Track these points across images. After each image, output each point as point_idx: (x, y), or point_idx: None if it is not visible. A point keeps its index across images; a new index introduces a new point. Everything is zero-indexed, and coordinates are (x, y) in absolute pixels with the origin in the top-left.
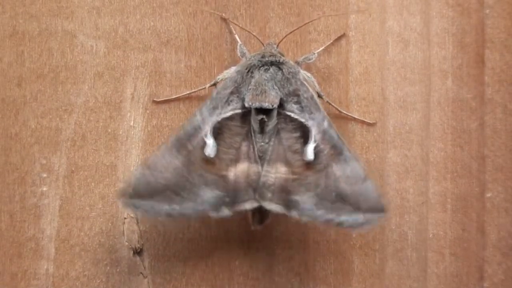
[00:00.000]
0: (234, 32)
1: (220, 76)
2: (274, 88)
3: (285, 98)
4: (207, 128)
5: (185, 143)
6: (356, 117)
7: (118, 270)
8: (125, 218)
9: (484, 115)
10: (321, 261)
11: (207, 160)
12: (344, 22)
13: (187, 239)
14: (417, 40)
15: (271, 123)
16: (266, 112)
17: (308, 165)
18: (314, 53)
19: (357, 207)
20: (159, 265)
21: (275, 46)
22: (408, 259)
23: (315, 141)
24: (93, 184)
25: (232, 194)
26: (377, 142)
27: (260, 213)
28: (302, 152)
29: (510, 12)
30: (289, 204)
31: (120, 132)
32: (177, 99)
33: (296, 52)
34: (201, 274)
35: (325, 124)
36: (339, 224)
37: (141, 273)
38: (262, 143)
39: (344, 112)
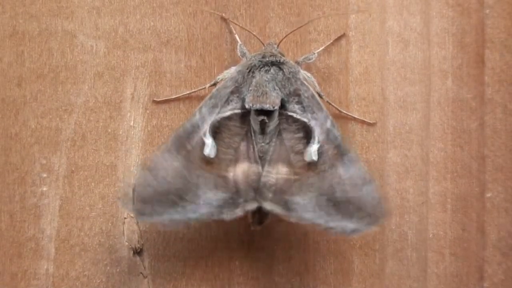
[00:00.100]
0: (234, 32)
1: (220, 76)
2: (275, 89)
3: (286, 99)
4: (206, 128)
5: (185, 142)
6: (356, 117)
7: (118, 270)
8: (125, 218)
9: (484, 115)
10: (321, 261)
11: (207, 161)
12: (344, 22)
13: (187, 239)
14: (417, 40)
15: (272, 124)
16: (267, 113)
17: (311, 165)
18: (314, 53)
19: (352, 214)
20: (159, 265)
21: (275, 46)
22: (408, 259)
23: (318, 141)
24: (93, 184)
25: (234, 195)
26: (377, 142)
27: (260, 214)
28: (304, 153)
29: (510, 12)
30: (289, 205)
31: (120, 132)
32: (177, 99)
33: (296, 52)
34: (201, 274)
35: (328, 123)
36: (332, 229)
37: (141, 273)
38: (263, 144)
39: (344, 112)
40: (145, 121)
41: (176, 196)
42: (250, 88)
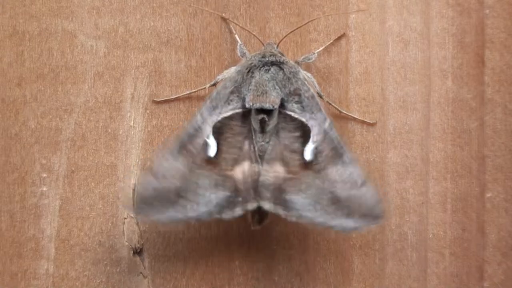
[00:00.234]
0: (234, 32)
1: (220, 76)
2: (275, 88)
3: (286, 98)
4: (208, 129)
5: (187, 144)
6: (356, 117)
7: (118, 270)
8: (125, 218)
9: (484, 115)
10: (321, 261)
11: (209, 161)
12: (344, 22)
13: (187, 239)
14: (417, 40)
15: (272, 123)
16: (267, 112)
17: (306, 165)
18: (314, 53)
19: (351, 212)
20: (159, 265)
21: (275, 46)
22: (408, 259)
23: (315, 141)
24: (93, 184)
25: (236, 195)
26: (377, 142)
27: (260, 214)
28: (300, 152)
29: (510, 12)
30: (286, 204)
31: (120, 132)
32: (177, 99)
33: (296, 52)
34: (201, 274)
35: (326, 125)
36: (332, 228)
37: (141, 273)
38: (263, 143)
39: (344, 112)
40: (145, 121)
41: (176, 195)
42: (250, 87)
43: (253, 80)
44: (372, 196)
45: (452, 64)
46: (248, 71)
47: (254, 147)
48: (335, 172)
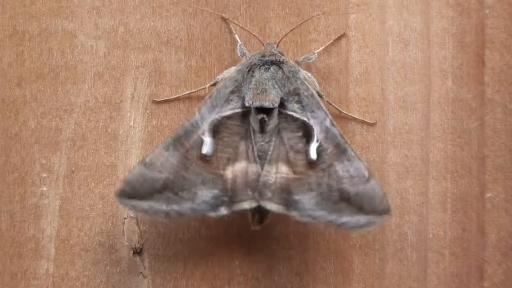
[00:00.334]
0: (234, 32)
1: (220, 76)
2: (274, 87)
3: (286, 98)
4: (205, 126)
5: (183, 141)
6: (356, 117)
7: (118, 270)
8: (125, 218)
9: (484, 115)
10: (321, 261)
11: (204, 159)
12: (344, 22)
13: (187, 239)
14: (417, 40)
15: (272, 123)
16: (267, 111)
17: (311, 164)
18: (314, 53)
19: (360, 208)
20: (159, 265)
21: (275, 45)
22: (408, 259)
23: (317, 140)
24: (93, 184)
25: (230, 194)
26: (377, 142)
27: (260, 213)
28: (304, 152)
29: (510, 12)
30: (289, 204)
31: (120, 132)
32: (177, 99)
33: (296, 52)
34: (201, 274)
35: (327, 122)
36: (341, 225)
37: (141, 273)
38: (262, 143)
39: (344, 112)
40: (145, 121)
41: (162, 186)
42: (250, 86)
43: (253, 79)
44: (379, 190)
45: (452, 64)
46: (249, 70)
47: (252, 148)
48: (342, 168)
